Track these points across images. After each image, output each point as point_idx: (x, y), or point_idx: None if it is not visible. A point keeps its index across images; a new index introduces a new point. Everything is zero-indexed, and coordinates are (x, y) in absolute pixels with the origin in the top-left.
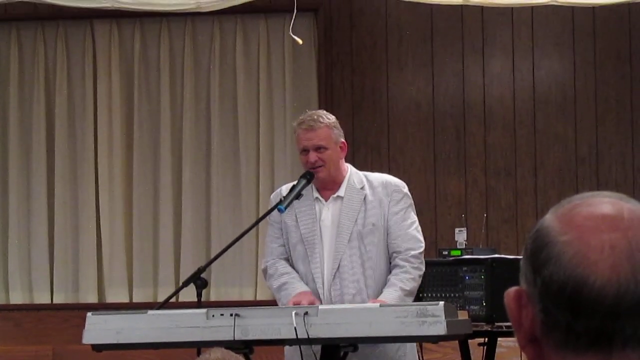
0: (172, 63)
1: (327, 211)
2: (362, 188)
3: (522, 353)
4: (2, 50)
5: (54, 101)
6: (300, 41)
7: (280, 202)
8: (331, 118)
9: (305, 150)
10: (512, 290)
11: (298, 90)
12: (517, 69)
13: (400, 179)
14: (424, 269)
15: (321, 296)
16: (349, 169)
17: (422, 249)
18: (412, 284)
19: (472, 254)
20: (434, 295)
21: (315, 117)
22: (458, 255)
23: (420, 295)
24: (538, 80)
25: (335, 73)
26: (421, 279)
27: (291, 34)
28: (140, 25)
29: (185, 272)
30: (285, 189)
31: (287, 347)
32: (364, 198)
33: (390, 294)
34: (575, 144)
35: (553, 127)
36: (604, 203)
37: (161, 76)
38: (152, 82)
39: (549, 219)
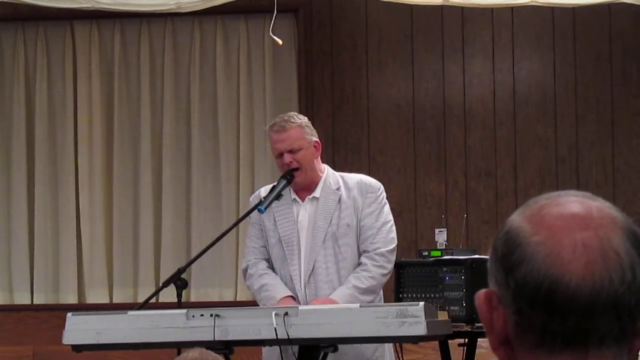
0: (152, 63)
1: (304, 212)
2: (338, 189)
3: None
4: None
5: (34, 102)
6: (280, 42)
7: (261, 202)
8: (302, 118)
9: (280, 155)
10: (482, 292)
11: (278, 90)
12: (497, 69)
13: (380, 179)
14: (390, 267)
15: (299, 297)
16: (326, 170)
17: (390, 248)
18: (370, 282)
19: (452, 255)
20: (414, 295)
21: (287, 118)
22: (438, 256)
23: (400, 295)
24: (518, 81)
25: (315, 73)
26: (386, 277)
27: (271, 35)
28: (120, 25)
29: (166, 273)
30: (264, 190)
31: (264, 348)
32: (339, 199)
33: (341, 292)
34: (556, 144)
35: (533, 128)
36: (572, 202)
37: (141, 76)
38: (132, 83)
39: (517, 220)
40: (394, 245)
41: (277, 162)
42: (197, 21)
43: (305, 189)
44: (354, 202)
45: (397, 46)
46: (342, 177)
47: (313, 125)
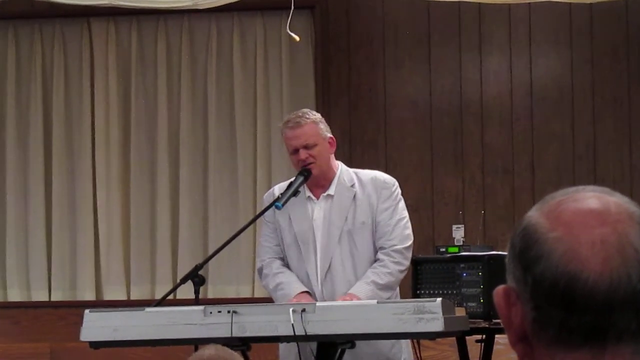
0: (169, 60)
1: (319, 210)
2: (353, 186)
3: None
4: None
5: (51, 99)
6: (297, 38)
7: (278, 199)
8: (316, 114)
9: (295, 151)
10: (500, 288)
11: (295, 87)
12: (514, 66)
13: (397, 176)
14: (406, 263)
15: (316, 295)
16: (340, 167)
17: (406, 245)
18: (389, 278)
19: (469, 251)
20: (431, 292)
21: (301, 114)
22: (455, 252)
23: (418, 292)
24: (535, 78)
25: (332, 70)
26: (403, 273)
27: (288, 31)
28: (137, 23)
29: (183, 270)
30: (278, 188)
31: (281, 345)
32: (354, 196)
33: (360, 287)
34: (573, 141)
35: (550, 125)
36: (590, 198)
37: (158, 74)
38: (149, 80)
39: (535, 216)
40: (410, 241)
41: (292, 158)
42: (214, 18)
43: (320, 187)
44: (368, 198)
45: (414, 43)
46: (356, 174)
47: (330, 122)
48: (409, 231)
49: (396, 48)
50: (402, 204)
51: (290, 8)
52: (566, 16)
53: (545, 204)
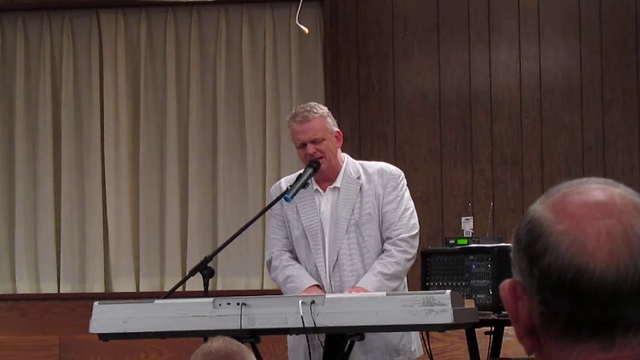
0: (178, 53)
1: (326, 202)
2: (359, 178)
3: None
4: (8, 41)
5: (60, 91)
6: (306, 30)
7: (287, 191)
8: (324, 108)
9: (303, 145)
10: (506, 282)
11: (304, 80)
12: (524, 58)
13: (406, 168)
14: (413, 252)
15: (325, 287)
16: (346, 159)
17: (412, 233)
18: (395, 268)
19: (478, 243)
20: (440, 284)
21: (309, 108)
22: (464, 244)
23: (427, 284)
24: (544, 69)
25: (341, 63)
26: (410, 262)
27: (297, 23)
28: (146, 15)
29: (192, 262)
30: (284, 181)
31: (290, 337)
32: (360, 188)
33: (368, 279)
34: (582, 132)
35: (559, 116)
36: (594, 190)
37: (167, 66)
38: (158, 72)
39: (540, 209)
40: (416, 231)
41: (299, 152)
42: (222, 10)
43: (327, 180)
44: (374, 190)
45: (423, 35)
46: (362, 166)
47: (339, 114)
48: (415, 221)
49: (405, 40)
50: (407, 194)
51: (299, 0)
52: (575, 7)
53: (550, 196)
